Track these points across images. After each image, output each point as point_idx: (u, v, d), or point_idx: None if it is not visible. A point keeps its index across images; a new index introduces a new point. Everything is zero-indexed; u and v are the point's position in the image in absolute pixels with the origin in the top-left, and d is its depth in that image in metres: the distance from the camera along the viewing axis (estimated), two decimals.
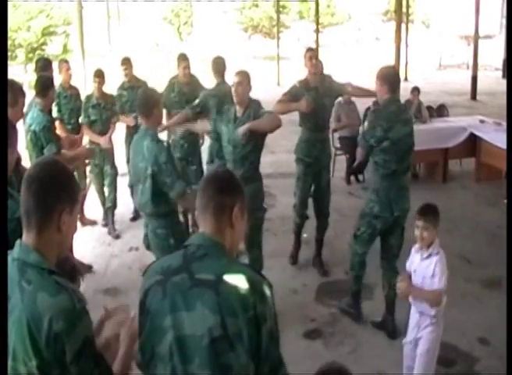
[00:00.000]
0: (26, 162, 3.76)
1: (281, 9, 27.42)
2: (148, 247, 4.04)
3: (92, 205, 6.73)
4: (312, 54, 5.33)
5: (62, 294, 1.68)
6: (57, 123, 6.03)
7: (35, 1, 22.03)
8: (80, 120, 6.37)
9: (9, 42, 19.30)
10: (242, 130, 4.34)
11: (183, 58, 6.34)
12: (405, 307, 3.94)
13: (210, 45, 27.87)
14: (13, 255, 1.76)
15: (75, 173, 5.87)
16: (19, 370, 1.68)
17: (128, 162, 3.99)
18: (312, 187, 5.42)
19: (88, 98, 6.37)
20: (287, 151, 5.67)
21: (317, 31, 17.73)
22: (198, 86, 6.30)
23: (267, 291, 1.80)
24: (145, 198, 3.77)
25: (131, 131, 6.37)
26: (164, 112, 6.36)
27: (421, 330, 3.45)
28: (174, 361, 1.76)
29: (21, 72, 19.30)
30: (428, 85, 15.80)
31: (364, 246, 4.36)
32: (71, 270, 2.26)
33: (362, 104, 8.14)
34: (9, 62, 16.49)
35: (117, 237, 6.39)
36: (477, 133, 7.91)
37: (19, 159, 3.21)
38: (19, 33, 20.92)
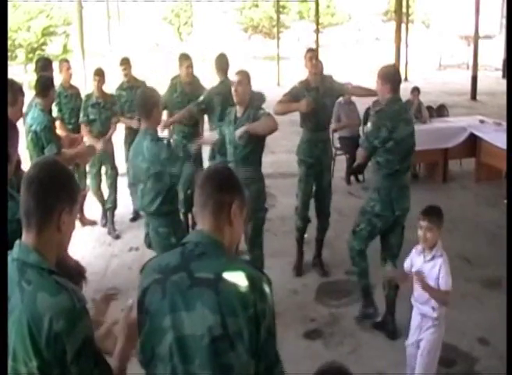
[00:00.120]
0: (27, 163, 3.75)
1: (281, 9, 27.44)
2: (149, 246, 4.04)
3: (92, 205, 6.73)
4: (312, 54, 5.33)
5: (63, 293, 1.68)
6: (57, 123, 6.04)
7: (35, 1, 22.04)
8: (79, 119, 6.36)
9: (9, 42, 19.31)
10: (239, 132, 4.35)
11: (185, 57, 6.33)
12: (405, 307, 3.94)
13: (210, 45, 27.87)
14: (13, 255, 1.76)
15: (75, 173, 5.90)
16: (20, 371, 1.68)
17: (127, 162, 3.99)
18: (313, 188, 5.41)
19: (88, 96, 6.36)
20: (287, 151, 5.67)
21: (317, 31, 17.72)
22: (200, 86, 6.30)
23: (266, 288, 1.80)
24: (148, 198, 3.77)
25: (131, 132, 6.37)
26: (165, 112, 6.40)
27: (422, 331, 3.45)
28: (174, 361, 1.76)
29: (21, 72, 19.31)
30: (428, 85, 15.80)
31: (362, 243, 4.35)
32: (77, 273, 2.27)
33: (362, 104, 8.16)
34: (9, 62, 16.49)
35: (117, 237, 6.39)
36: (477, 133, 7.91)
37: (19, 160, 3.21)
38: (19, 33, 20.94)
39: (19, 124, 3.49)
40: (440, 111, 9.60)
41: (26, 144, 4.77)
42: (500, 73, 19.01)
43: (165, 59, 22.57)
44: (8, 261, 1.76)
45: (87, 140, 6.22)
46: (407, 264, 3.59)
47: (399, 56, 8.21)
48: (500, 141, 7.05)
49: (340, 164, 8.17)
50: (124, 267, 5.44)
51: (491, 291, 4.98)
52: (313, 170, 5.31)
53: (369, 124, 4.21)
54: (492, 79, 18.62)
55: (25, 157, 4.00)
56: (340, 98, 6.95)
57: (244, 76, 4.47)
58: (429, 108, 9.23)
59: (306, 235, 5.60)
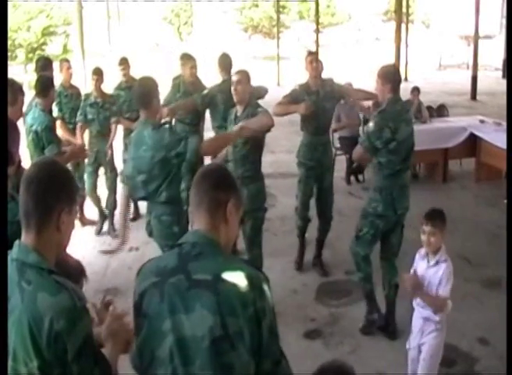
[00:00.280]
0: (27, 163, 3.75)
1: (281, 9, 27.45)
2: (150, 234, 4.01)
3: (92, 205, 6.73)
4: (313, 57, 5.32)
5: (63, 293, 1.68)
6: (58, 122, 6.02)
7: (35, 1, 22.05)
8: (77, 118, 6.30)
9: (9, 42, 19.33)
10: (235, 128, 4.34)
11: (188, 57, 6.31)
12: (405, 307, 3.94)
13: (210, 45, 27.88)
14: (12, 255, 1.76)
15: (75, 173, 5.89)
16: (20, 371, 1.68)
17: (124, 161, 3.96)
18: (315, 189, 5.41)
19: (87, 96, 6.32)
20: (287, 151, 5.67)
21: (317, 31, 17.69)
22: (202, 86, 6.30)
23: (265, 286, 1.80)
24: (153, 186, 3.73)
25: (129, 133, 6.35)
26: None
27: (424, 335, 3.41)
28: (175, 363, 1.75)
29: (21, 72, 19.32)
30: (428, 85, 15.81)
31: (366, 247, 4.30)
32: (76, 270, 2.26)
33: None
34: (9, 62, 16.50)
35: (117, 237, 6.38)
36: (477, 133, 7.91)
37: (19, 159, 3.21)
38: (19, 33, 20.96)
39: (19, 124, 3.49)
40: (440, 111, 9.60)
41: (26, 144, 4.77)
42: (500, 73, 19.02)
43: (165, 59, 22.59)
44: (7, 261, 1.76)
45: (66, 135, 6.13)
46: (412, 271, 3.53)
47: (399, 56, 8.22)
48: (500, 141, 7.05)
49: (340, 164, 8.16)
50: (124, 267, 5.43)
51: (491, 291, 4.98)
52: (313, 172, 5.31)
53: (371, 124, 4.16)
54: (492, 79, 18.62)
55: (25, 157, 3.99)
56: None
57: (244, 76, 4.48)
58: (429, 108, 9.23)
59: (306, 234, 5.61)
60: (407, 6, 20.03)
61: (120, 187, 4.21)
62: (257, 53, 29.87)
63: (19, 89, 3.74)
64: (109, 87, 6.98)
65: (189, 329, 1.74)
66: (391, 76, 4.14)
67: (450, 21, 32.37)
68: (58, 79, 6.72)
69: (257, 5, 35.42)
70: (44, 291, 1.67)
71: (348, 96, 5.74)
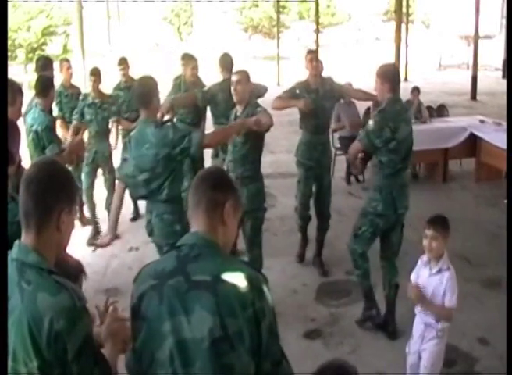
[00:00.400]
0: (28, 163, 3.76)
1: (281, 9, 27.46)
2: (150, 234, 4.00)
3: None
4: (313, 56, 5.34)
5: (63, 293, 1.68)
6: (58, 122, 6.02)
7: (35, 1, 22.06)
8: (72, 117, 6.25)
9: (9, 42, 19.33)
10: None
11: (190, 57, 6.32)
12: (406, 307, 3.94)
13: (210, 45, 27.88)
14: (12, 255, 1.75)
15: (74, 173, 5.87)
16: (20, 371, 1.68)
17: (124, 160, 3.93)
18: (313, 189, 5.42)
19: (85, 96, 6.27)
20: (287, 151, 5.68)
21: (317, 31, 17.54)
22: (203, 86, 6.30)
23: (264, 287, 1.80)
24: (156, 184, 3.73)
25: (128, 134, 6.33)
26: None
27: (425, 341, 3.37)
28: (175, 365, 1.75)
29: (21, 72, 19.33)
30: (428, 85, 15.81)
31: (363, 245, 4.30)
32: (76, 269, 2.26)
33: (362, 105, 8.15)
34: (9, 62, 16.50)
35: (117, 237, 6.37)
36: (477, 133, 7.91)
37: (20, 159, 3.21)
38: (19, 33, 20.97)
39: (19, 124, 3.49)
40: (440, 111, 9.60)
41: (26, 144, 4.77)
42: (500, 73, 19.02)
43: (165, 59, 22.60)
44: (7, 261, 1.76)
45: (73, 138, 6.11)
46: (413, 277, 3.49)
47: (399, 56, 8.21)
48: (500, 141, 7.04)
49: (340, 164, 8.17)
50: (124, 267, 5.43)
51: (491, 291, 4.98)
52: (312, 172, 5.33)
53: (370, 122, 4.15)
54: (492, 79, 18.62)
55: (25, 157, 3.99)
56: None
57: (243, 76, 4.49)
58: (429, 108, 9.23)
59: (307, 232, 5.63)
60: (407, 6, 20.02)
61: (116, 185, 4.20)
62: (257, 53, 29.86)
63: (18, 90, 3.73)
64: (109, 87, 6.98)
65: (189, 330, 1.73)
66: (390, 75, 4.13)
67: (450, 21, 32.36)
68: (58, 79, 6.72)
69: (257, 5, 35.41)
70: (44, 291, 1.67)
71: (348, 96, 5.76)
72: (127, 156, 3.88)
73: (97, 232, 6.29)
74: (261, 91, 5.44)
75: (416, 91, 8.70)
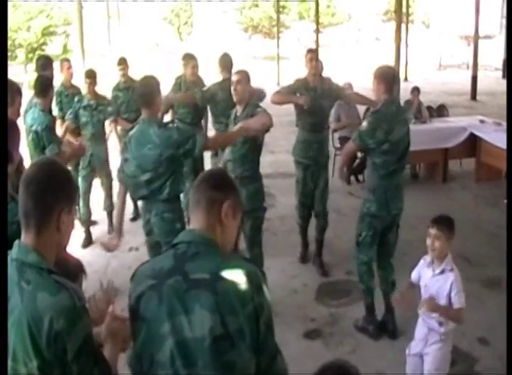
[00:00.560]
0: (27, 163, 3.76)
1: (281, 9, 27.44)
2: (148, 233, 3.99)
3: (92, 205, 6.72)
4: (313, 55, 5.36)
5: (63, 292, 1.68)
6: (58, 122, 6.01)
7: (35, 1, 22.06)
8: (65, 117, 6.19)
9: (9, 42, 19.33)
10: (235, 128, 4.36)
11: (190, 57, 6.34)
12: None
13: (210, 45, 27.88)
14: (12, 255, 1.75)
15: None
16: (20, 371, 1.68)
17: (125, 161, 3.93)
18: (312, 188, 5.43)
19: (80, 98, 6.20)
20: (287, 151, 5.67)
21: (317, 31, 17.57)
22: (203, 86, 6.30)
23: (262, 282, 1.81)
24: (157, 184, 3.74)
25: (126, 134, 6.31)
26: (170, 111, 6.39)
27: (428, 345, 3.33)
28: (176, 366, 1.74)
29: (21, 72, 19.33)
30: (428, 85, 15.81)
31: (368, 251, 4.31)
32: (76, 268, 2.26)
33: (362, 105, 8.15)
34: (9, 62, 16.50)
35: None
36: (477, 133, 7.91)
37: (21, 159, 3.22)
38: (19, 33, 20.96)
39: (19, 124, 3.49)
40: (440, 111, 9.60)
41: (26, 143, 4.77)
42: (500, 73, 19.02)
43: (165, 59, 22.60)
44: (7, 261, 1.75)
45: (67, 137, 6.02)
46: (414, 276, 3.46)
47: (399, 56, 8.17)
48: (500, 141, 7.04)
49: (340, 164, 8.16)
50: (124, 267, 5.43)
51: (491, 291, 4.98)
52: (310, 171, 5.36)
53: (364, 123, 4.18)
54: (492, 79, 18.62)
55: (25, 157, 3.99)
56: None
57: (243, 76, 4.50)
58: (429, 108, 9.24)
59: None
60: (407, 6, 20.01)
61: (117, 187, 4.20)
62: (257, 53, 29.86)
63: (16, 90, 3.74)
64: (109, 87, 6.98)
65: (189, 330, 1.73)
66: (386, 76, 4.14)
67: (450, 21, 32.37)
68: (58, 79, 6.72)
69: (257, 5, 35.40)
70: (44, 291, 1.67)
71: (346, 98, 5.79)
72: (128, 156, 3.88)
73: (89, 242, 6.23)
74: (260, 95, 5.44)
75: (416, 91, 8.70)
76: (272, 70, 19.10)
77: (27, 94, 4.32)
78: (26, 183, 1.77)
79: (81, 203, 6.15)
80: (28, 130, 4.85)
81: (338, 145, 8.36)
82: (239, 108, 4.53)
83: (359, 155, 6.93)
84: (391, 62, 7.88)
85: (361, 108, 8.37)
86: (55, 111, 6.37)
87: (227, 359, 1.72)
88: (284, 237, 6.19)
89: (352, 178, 8.20)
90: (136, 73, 7.10)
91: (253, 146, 4.49)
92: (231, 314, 1.72)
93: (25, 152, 4.20)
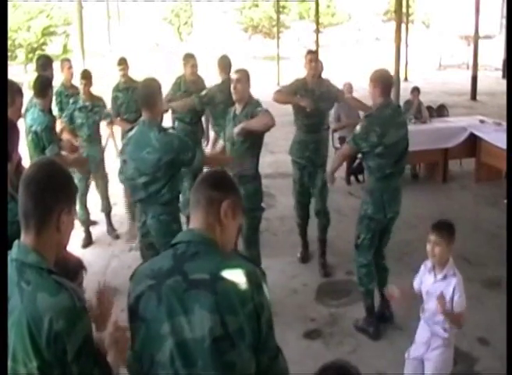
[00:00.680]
0: (27, 163, 3.75)
1: (281, 9, 27.42)
2: (144, 235, 4.00)
3: (92, 205, 6.72)
4: (312, 56, 5.35)
5: (62, 293, 1.68)
6: (58, 122, 6.00)
7: (35, 1, 22.05)
8: (61, 120, 6.14)
9: (9, 42, 19.32)
10: (237, 129, 4.39)
11: (190, 56, 6.36)
12: (405, 307, 3.93)
13: (210, 45, 27.88)
14: (11, 255, 1.75)
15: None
16: (19, 371, 1.68)
17: (124, 162, 3.93)
18: (309, 188, 5.44)
19: (75, 99, 6.15)
20: (287, 152, 5.67)
21: (317, 31, 17.69)
22: (204, 85, 6.30)
23: (262, 281, 1.80)
24: (155, 187, 3.74)
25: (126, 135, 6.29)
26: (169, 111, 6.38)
27: (430, 350, 3.30)
28: (176, 366, 1.74)
29: (21, 72, 19.31)
30: (428, 85, 15.80)
31: (367, 253, 4.32)
32: (76, 265, 2.26)
33: None
34: (9, 62, 16.49)
35: (117, 237, 6.38)
36: (477, 133, 7.91)
37: (20, 159, 3.21)
38: (19, 33, 20.95)
39: (19, 124, 3.49)
40: (440, 111, 9.59)
41: (26, 144, 4.77)
42: (500, 73, 19.00)
43: (165, 59, 22.59)
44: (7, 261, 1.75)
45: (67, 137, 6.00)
46: (416, 283, 3.42)
47: (399, 56, 8.16)
48: (500, 141, 7.04)
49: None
50: (124, 267, 5.43)
51: (491, 291, 4.97)
52: (306, 171, 5.39)
53: (358, 127, 4.18)
54: (492, 79, 18.62)
55: (25, 157, 3.99)
56: None
57: (243, 75, 4.51)
58: (429, 108, 9.23)
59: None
60: (407, 6, 20.01)
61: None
62: (257, 53, 29.85)
63: (17, 90, 3.73)
64: (109, 87, 6.97)
65: (189, 331, 1.73)
66: (382, 80, 4.14)
67: (450, 21, 32.34)
68: (58, 78, 6.71)
69: (257, 5, 35.37)
70: (44, 291, 1.67)
71: (343, 102, 5.83)
72: (126, 158, 3.88)
73: (89, 242, 6.22)
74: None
75: (416, 91, 8.69)
76: (272, 70, 19.09)
77: (27, 94, 4.31)
78: (26, 184, 1.77)
79: (78, 205, 6.08)
80: (28, 130, 4.85)
81: (338, 145, 8.35)
82: (238, 107, 4.54)
83: (359, 155, 6.92)
84: (391, 62, 7.90)
85: None
86: (55, 111, 6.36)
87: (227, 359, 1.72)
88: (284, 237, 6.19)
89: (352, 178, 8.21)
90: (137, 74, 7.11)
91: (252, 145, 4.50)
92: (231, 314, 1.72)
93: (25, 152, 4.20)
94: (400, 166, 4.27)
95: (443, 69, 23.27)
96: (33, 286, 1.68)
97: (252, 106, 4.48)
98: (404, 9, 17.09)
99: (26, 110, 4.98)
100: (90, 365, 1.72)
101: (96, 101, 6.16)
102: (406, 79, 17.42)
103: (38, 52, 20.25)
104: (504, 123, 7.45)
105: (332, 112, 6.88)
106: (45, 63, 6.06)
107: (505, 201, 6.48)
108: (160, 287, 1.78)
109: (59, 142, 4.96)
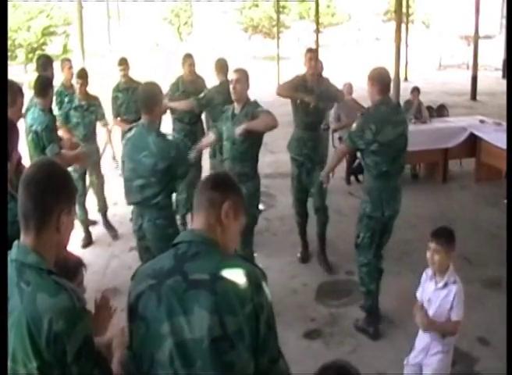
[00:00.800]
0: (27, 163, 3.75)
1: (281, 9, 27.42)
2: (141, 238, 4.00)
3: (92, 205, 6.72)
4: (312, 55, 5.37)
5: (62, 293, 1.68)
6: (59, 122, 5.99)
7: (35, 1, 22.05)
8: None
9: (9, 42, 19.32)
10: (238, 130, 4.39)
11: (188, 56, 6.38)
12: (406, 307, 3.92)
13: (210, 45, 27.89)
14: (11, 256, 1.75)
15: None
16: (19, 372, 1.68)
17: (123, 162, 3.94)
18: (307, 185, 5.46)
19: (71, 99, 6.14)
20: (287, 152, 5.67)
21: (317, 31, 17.54)
22: (203, 86, 6.30)
23: (262, 282, 1.80)
24: (150, 191, 3.74)
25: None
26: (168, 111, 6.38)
27: (429, 356, 3.28)
28: (175, 366, 1.74)
29: (21, 72, 19.32)
30: (428, 85, 15.80)
31: (367, 253, 4.31)
32: (75, 263, 2.26)
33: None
34: (9, 62, 16.49)
35: (117, 237, 6.37)
36: (477, 133, 7.91)
37: (19, 160, 3.21)
38: (19, 33, 20.95)
39: (19, 124, 3.49)
40: (440, 111, 9.59)
41: (26, 143, 4.77)
42: (500, 73, 19.00)
43: (165, 59, 22.59)
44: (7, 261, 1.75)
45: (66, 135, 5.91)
46: (418, 293, 3.39)
47: (399, 56, 8.16)
48: (500, 141, 7.04)
49: (340, 164, 8.14)
50: (124, 267, 5.43)
51: (491, 291, 4.97)
52: (304, 168, 5.40)
53: (354, 124, 4.20)
54: (492, 79, 18.62)
55: (25, 157, 3.98)
56: None
57: (242, 74, 4.52)
58: (429, 108, 9.23)
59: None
60: (407, 6, 20.00)
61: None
62: (257, 53, 29.85)
63: (18, 90, 3.73)
64: (109, 87, 6.97)
65: (188, 331, 1.73)
66: (380, 78, 4.14)
67: (450, 21, 32.34)
68: (58, 78, 6.71)
69: (257, 5, 35.37)
70: (44, 292, 1.67)
71: (341, 101, 5.84)
72: (124, 159, 3.89)
73: (89, 242, 6.21)
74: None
75: (416, 91, 8.69)
76: (272, 70, 19.08)
77: (27, 94, 4.31)
78: (26, 184, 1.77)
79: (77, 206, 6.11)
80: (28, 130, 4.84)
81: (338, 145, 8.36)
82: (237, 107, 4.54)
83: (358, 154, 6.92)
84: (391, 62, 7.89)
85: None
86: (55, 111, 6.36)
87: (226, 360, 1.72)
88: (284, 237, 6.19)
89: (352, 178, 8.21)
90: (137, 74, 7.11)
91: (252, 144, 4.51)
92: (230, 314, 1.71)
93: (25, 152, 4.20)
94: (398, 164, 4.24)
95: (443, 69, 23.27)
96: (32, 286, 1.68)
97: (251, 106, 4.49)
98: (404, 9, 17.08)
99: (27, 110, 4.98)
100: (90, 365, 1.72)
101: (92, 101, 6.15)
102: (406, 79, 17.42)
103: (38, 52, 20.25)
104: (504, 123, 7.45)
105: (332, 112, 6.88)
106: (45, 63, 6.06)
107: (505, 201, 6.49)
108: (160, 287, 1.78)
109: (60, 142, 4.95)
